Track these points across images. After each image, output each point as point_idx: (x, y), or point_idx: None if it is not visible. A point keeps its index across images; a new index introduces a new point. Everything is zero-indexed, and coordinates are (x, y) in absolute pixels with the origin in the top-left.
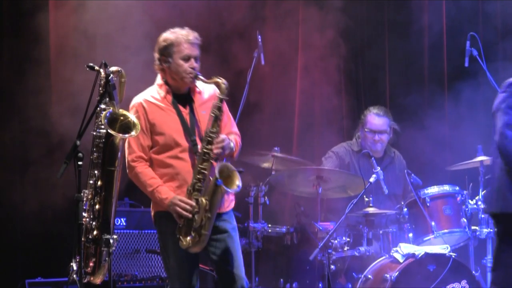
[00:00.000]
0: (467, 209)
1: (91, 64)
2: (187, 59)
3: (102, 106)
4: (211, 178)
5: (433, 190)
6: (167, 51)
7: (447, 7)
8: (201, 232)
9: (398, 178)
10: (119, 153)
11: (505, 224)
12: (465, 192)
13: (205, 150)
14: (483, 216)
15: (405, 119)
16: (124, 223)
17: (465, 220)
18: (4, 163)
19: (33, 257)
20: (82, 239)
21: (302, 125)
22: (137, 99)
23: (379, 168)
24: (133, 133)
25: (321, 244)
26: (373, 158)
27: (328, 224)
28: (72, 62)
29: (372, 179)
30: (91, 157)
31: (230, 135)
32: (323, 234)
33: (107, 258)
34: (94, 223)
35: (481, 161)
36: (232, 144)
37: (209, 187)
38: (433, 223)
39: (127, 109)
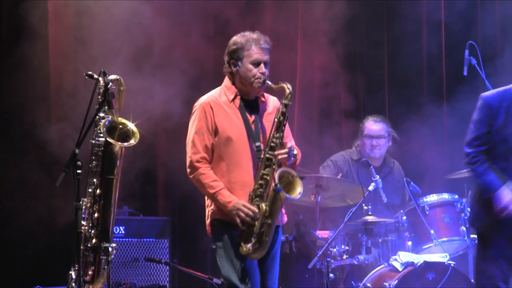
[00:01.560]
0: (466, 217)
1: (90, 73)
2: (256, 64)
3: (101, 114)
4: (273, 184)
5: (432, 198)
6: (236, 55)
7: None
8: (261, 239)
9: (396, 188)
10: (118, 162)
11: (479, 240)
12: (464, 200)
13: (267, 156)
14: None
15: (404, 127)
16: (123, 232)
17: (464, 228)
18: (3, 170)
19: (32, 265)
20: (81, 247)
21: (300, 131)
22: (204, 99)
23: (378, 176)
24: (132, 141)
25: (320, 253)
26: (372, 166)
27: (327, 232)
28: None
29: (371, 188)
30: (90, 165)
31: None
32: (322, 243)
33: (106, 267)
34: (93, 231)
35: None
36: (295, 152)
37: (270, 193)
38: (432, 231)
39: (126, 117)
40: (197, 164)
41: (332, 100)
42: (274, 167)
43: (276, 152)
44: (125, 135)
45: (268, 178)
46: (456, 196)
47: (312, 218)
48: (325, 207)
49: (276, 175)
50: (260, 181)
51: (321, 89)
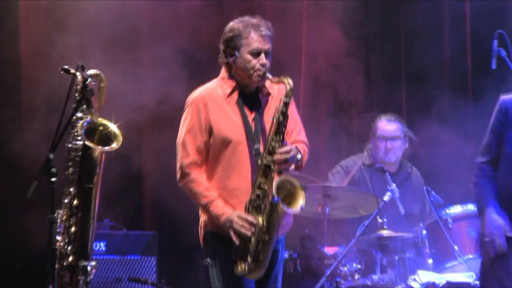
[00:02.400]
0: None
1: (66, 67)
2: (256, 53)
3: (79, 114)
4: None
5: (456, 210)
6: (233, 43)
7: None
8: (258, 257)
9: (415, 196)
10: (98, 168)
11: None
12: None
13: (265, 162)
14: None
15: (423, 128)
16: (104, 248)
17: None
18: None
19: (3, 286)
20: (56, 266)
21: (306, 134)
22: (197, 93)
23: (394, 185)
24: (114, 145)
25: (328, 272)
26: (387, 173)
27: (336, 248)
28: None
29: (386, 198)
30: (66, 172)
31: (298, 144)
32: (331, 260)
33: None
34: (69, 247)
35: None
36: (299, 156)
37: (267, 206)
38: (456, 247)
39: (107, 117)
40: (188, 170)
41: (342, 94)
42: (273, 174)
43: (274, 157)
44: (106, 138)
45: (266, 187)
46: None
47: (320, 232)
48: (334, 219)
49: (274, 185)
50: (257, 191)
51: (329, 82)
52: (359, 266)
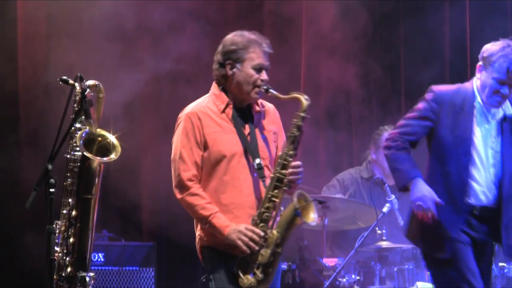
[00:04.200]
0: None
1: (65, 78)
2: (258, 69)
3: (78, 125)
4: (281, 208)
5: None
6: (235, 56)
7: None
8: (267, 270)
9: None
10: (96, 179)
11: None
12: None
13: (278, 175)
14: None
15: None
16: (102, 259)
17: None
18: None
19: None
20: (55, 277)
21: (304, 145)
22: (190, 109)
23: (393, 196)
24: (112, 156)
25: (327, 283)
26: (386, 184)
27: (335, 260)
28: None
29: (385, 209)
30: (65, 183)
31: None
32: (330, 272)
33: None
34: (68, 258)
35: None
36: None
37: (284, 218)
38: None
39: (105, 128)
40: (189, 183)
41: (341, 105)
42: (284, 188)
43: (287, 172)
44: (105, 149)
45: (277, 200)
46: None
47: (318, 244)
48: (333, 231)
49: (295, 197)
50: (267, 204)
51: (328, 92)
52: (358, 278)
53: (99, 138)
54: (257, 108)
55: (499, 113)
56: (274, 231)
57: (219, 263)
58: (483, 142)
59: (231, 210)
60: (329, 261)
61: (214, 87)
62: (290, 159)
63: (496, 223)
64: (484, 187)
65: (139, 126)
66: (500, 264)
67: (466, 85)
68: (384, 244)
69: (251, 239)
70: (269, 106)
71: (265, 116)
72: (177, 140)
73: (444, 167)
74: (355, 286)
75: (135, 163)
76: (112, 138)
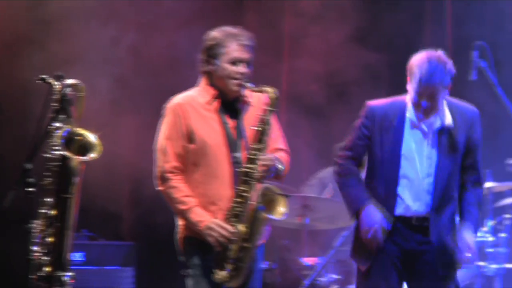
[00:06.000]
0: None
1: (43, 76)
2: (235, 63)
3: (57, 124)
4: (253, 203)
5: None
6: (213, 52)
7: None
8: (238, 265)
9: None
10: (76, 178)
11: None
12: None
13: (247, 170)
14: (491, 250)
15: None
16: (82, 259)
17: (469, 254)
18: None
19: None
20: (33, 277)
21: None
22: (177, 100)
23: None
24: (93, 155)
25: (307, 283)
26: None
27: (315, 259)
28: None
29: None
30: (43, 182)
31: (279, 153)
32: (309, 271)
33: None
34: (46, 258)
35: (490, 188)
36: (280, 166)
37: (249, 213)
38: None
39: (86, 127)
40: (169, 175)
41: (327, 99)
42: (254, 183)
43: (256, 166)
44: (85, 148)
45: (247, 195)
46: None
47: (299, 243)
48: (313, 230)
49: (258, 193)
50: (237, 199)
51: (312, 86)
52: (338, 277)
53: (80, 137)
54: (245, 100)
55: (437, 123)
56: (241, 226)
57: (199, 257)
58: (417, 152)
59: (215, 202)
60: (309, 261)
61: (202, 80)
62: (258, 153)
63: (433, 233)
64: (416, 198)
65: (119, 122)
66: (479, 263)
67: (400, 97)
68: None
69: (222, 235)
70: (259, 96)
71: (254, 106)
72: (162, 131)
73: (372, 181)
74: (335, 286)
75: (116, 161)
76: (92, 137)
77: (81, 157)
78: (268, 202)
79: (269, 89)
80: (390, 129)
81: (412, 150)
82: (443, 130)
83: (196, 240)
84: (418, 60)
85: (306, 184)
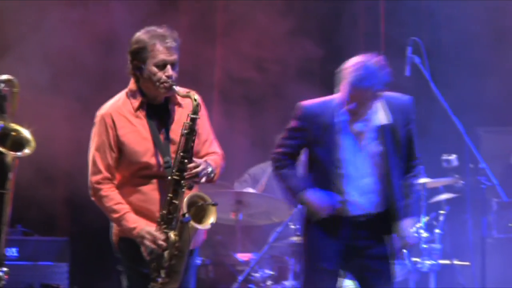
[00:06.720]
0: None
1: None
2: (162, 65)
3: None
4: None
5: None
6: (139, 55)
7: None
8: (171, 272)
9: None
10: (10, 174)
11: None
12: None
13: (175, 177)
14: (425, 246)
15: None
16: (16, 254)
17: (405, 250)
18: None
19: None
20: None
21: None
22: (105, 109)
23: None
24: (27, 150)
25: (241, 279)
26: None
27: (249, 255)
28: None
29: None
30: None
31: (209, 157)
32: (244, 267)
33: None
34: None
35: (424, 184)
36: (210, 169)
37: (179, 223)
38: None
39: (21, 122)
40: (98, 186)
41: (261, 96)
42: (183, 190)
43: (184, 173)
44: (19, 144)
45: (177, 202)
46: None
47: (233, 239)
48: (247, 226)
49: (184, 202)
50: (168, 206)
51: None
52: (272, 273)
53: (14, 133)
54: (176, 101)
55: (374, 122)
56: (172, 234)
57: (133, 257)
58: (357, 152)
59: (148, 208)
60: (243, 256)
61: (131, 83)
62: (185, 161)
63: (378, 228)
64: (359, 195)
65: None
66: (414, 259)
67: (334, 97)
68: (298, 239)
69: (153, 243)
70: (188, 101)
71: (184, 108)
72: (92, 141)
73: (313, 182)
74: (269, 281)
75: (50, 157)
76: (26, 132)
77: (15, 153)
78: (196, 211)
79: (191, 95)
80: (328, 129)
81: (350, 150)
82: (384, 128)
83: (131, 240)
84: (352, 63)
85: (238, 180)
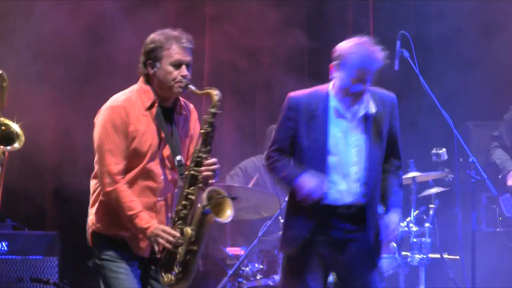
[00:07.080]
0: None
1: None
2: (177, 65)
3: None
4: (198, 205)
5: None
6: (154, 54)
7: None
8: (186, 268)
9: None
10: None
11: None
12: None
13: (192, 173)
14: (415, 240)
15: None
16: (5, 248)
17: (394, 244)
18: None
19: None
20: None
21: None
22: (120, 102)
23: None
24: (16, 145)
25: (231, 273)
26: None
27: (238, 249)
28: None
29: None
30: None
31: None
32: (233, 261)
33: None
34: None
35: (414, 178)
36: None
37: (196, 216)
38: None
39: (9, 117)
40: (117, 178)
41: (251, 90)
42: (200, 185)
43: (202, 169)
44: (8, 138)
45: (193, 198)
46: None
47: (222, 233)
48: (237, 220)
49: (205, 195)
50: (184, 202)
51: (235, 73)
52: (261, 267)
53: (3, 127)
54: (180, 109)
55: (361, 111)
56: (188, 229)
57: (112, 250)
58: (344, 141)
59: (155, 207)
60: (232, 250)
61: (141, 82)
62: (204, 156)
63: (362, 219)
64: (346, 186)
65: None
66: (403, 253)
67: (322, 87)
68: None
69: (168, 241)
70: (191, 108)
71: (186, 119)
72: (104, 131)
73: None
74: (259, 275)
75: (39, 151)
76: (16, 127)
77: (4, 147)
78: (214, 205)
79: (211, 90)
80: (315, 118)
81: (338, 139)
82: (368, 118)
83: (107, 236)
84: (350, 46)
85: (230, 174)
